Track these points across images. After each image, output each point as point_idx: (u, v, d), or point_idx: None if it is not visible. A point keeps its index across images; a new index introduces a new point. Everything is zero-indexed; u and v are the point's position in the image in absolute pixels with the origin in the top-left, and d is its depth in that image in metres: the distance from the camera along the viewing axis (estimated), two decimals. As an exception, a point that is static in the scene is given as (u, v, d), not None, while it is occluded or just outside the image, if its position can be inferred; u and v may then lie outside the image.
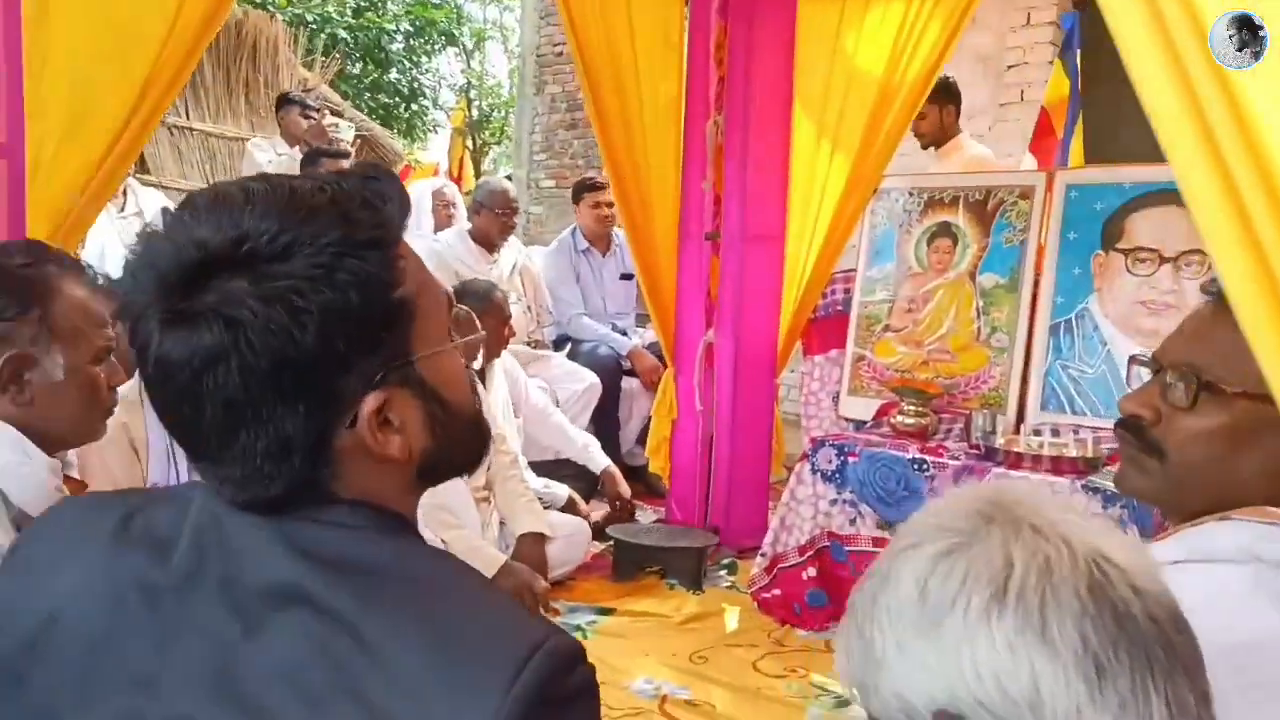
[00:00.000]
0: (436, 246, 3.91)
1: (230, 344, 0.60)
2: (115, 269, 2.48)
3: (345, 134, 4.22)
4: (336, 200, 0.64)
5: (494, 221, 3.82)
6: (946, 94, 3.51)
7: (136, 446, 1.75)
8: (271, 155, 4.15)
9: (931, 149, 3.62)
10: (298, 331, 0.61)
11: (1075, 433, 2.41)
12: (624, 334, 4.07)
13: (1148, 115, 0.75)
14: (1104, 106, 4.03)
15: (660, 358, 3.59)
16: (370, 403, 0.64)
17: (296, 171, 3.98)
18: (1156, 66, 0.74)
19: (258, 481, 0.64)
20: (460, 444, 0.73)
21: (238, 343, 0.60)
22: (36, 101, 1.62)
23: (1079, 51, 2.97)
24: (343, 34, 10.44)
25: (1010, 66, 4.60)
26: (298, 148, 4.19)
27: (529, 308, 4.04)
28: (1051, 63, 4.25)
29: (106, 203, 1.86)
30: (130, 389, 1.68)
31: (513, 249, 4.04)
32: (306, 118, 4.19)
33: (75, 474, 1.31)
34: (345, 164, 3.95)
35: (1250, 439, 0.92)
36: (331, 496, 0.66)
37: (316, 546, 0.63)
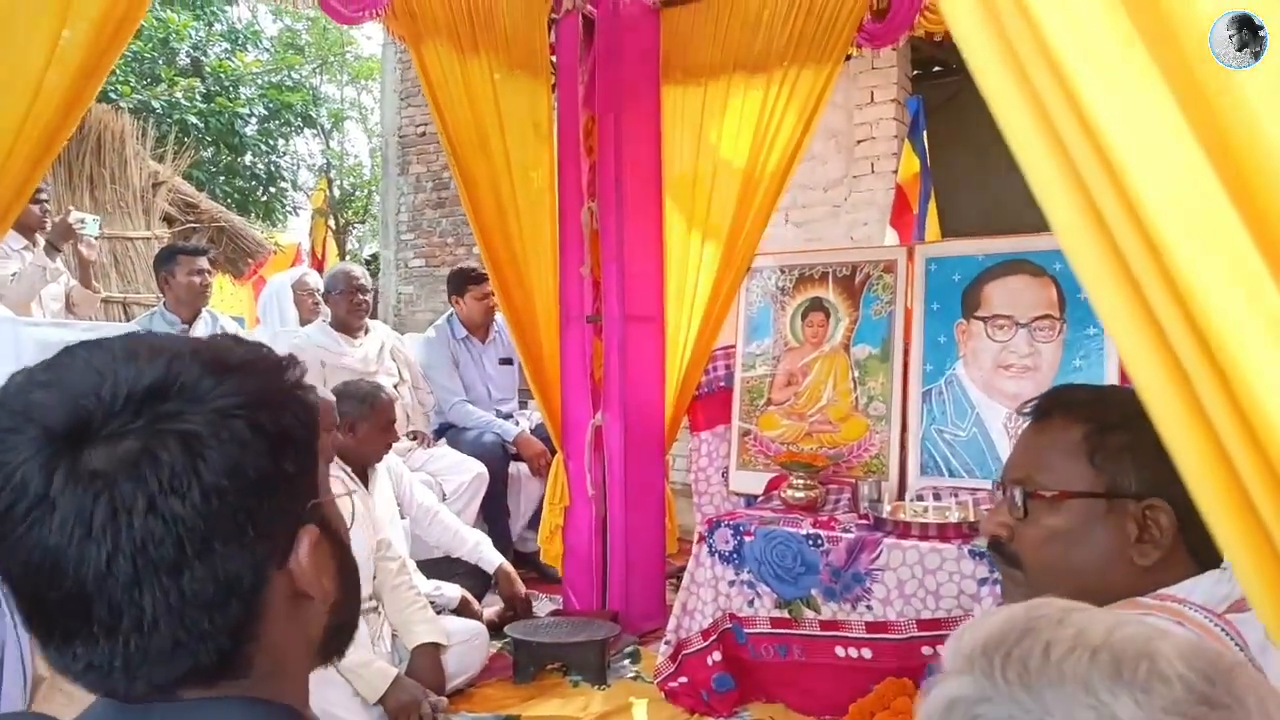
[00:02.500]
0: (296, 341, 3.79)
1: (193, 466, 0.55)
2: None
3: (90, 229, 3.89)
4: (252, 356, 0.63)
5: (342, 303, 3.77)
6: None
7: None
8: (18, 265, 3.55)
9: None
10: (254, 449, 0.57)
11: (955, 495, 2.51)
12: (509, 418, 4.02)
13: (1017, 158, 0.79)
14: (948, 178, 4.34)
15: (546, 440, 3.55)
16: (309, 534, 0.62)
17: (45, 273, 3.60)
18: (1019, 111, 0.77)
19: (183, 646, 0.57)
20: (357, 597, 0.71)
21: (198, 462, 0.55)
22: None
23: (925, 132, 3.18)
24: (193, 119, 10.10)
25: (860, 141, 4.88)
26: (37, 243, 3.71)
27: (410, 389, 3.95)
28: (898, 137, 4.55)
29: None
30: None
31: (378, 332, 3.96)
32: (36, 202, 3.67)
33: None
34: (204, 261, 3.77)
35: (1083, 533, 1.01)
36: (241, 669, 0.60)
37: None
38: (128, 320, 4.27)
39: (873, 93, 4.83)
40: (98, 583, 0.54)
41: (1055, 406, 1.09)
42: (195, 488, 0.55)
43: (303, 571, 0.61)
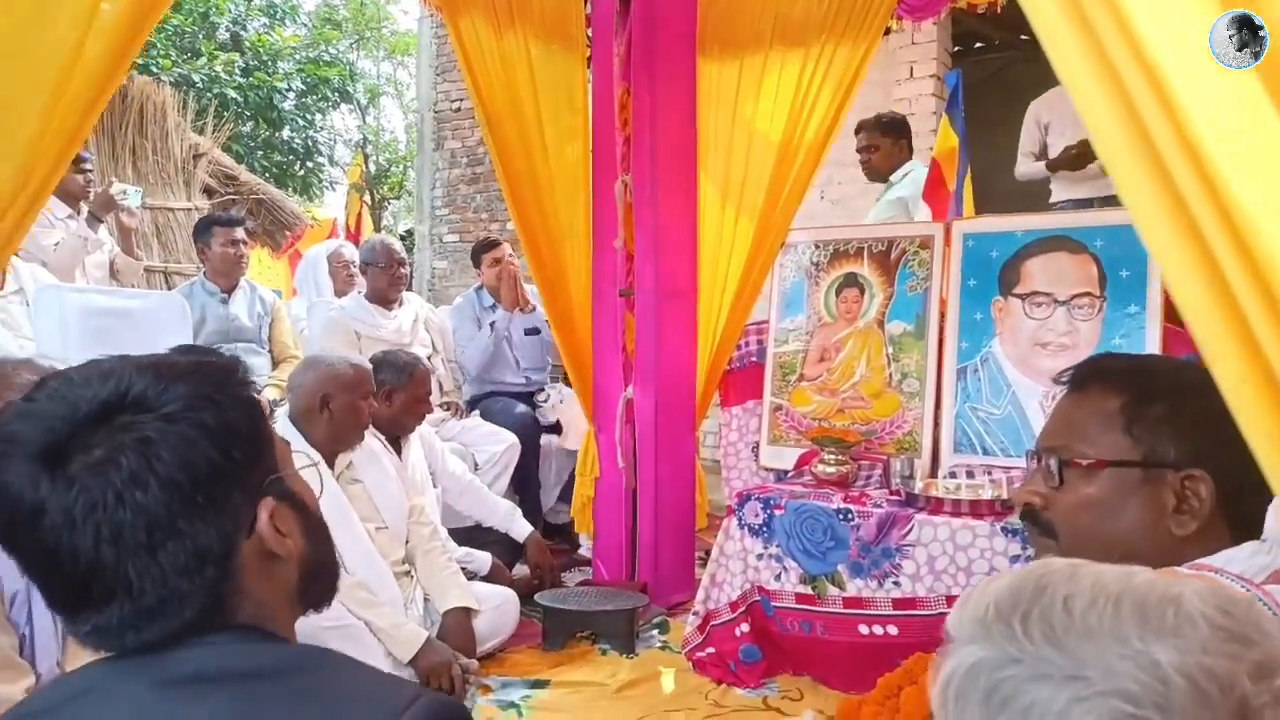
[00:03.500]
0: (332, 314, 3.84)
1: (148, 464, 0.68)
2: (-3, 357, 2.28)
3: (133, 200, 3.96)
4: (194, 363, 0.76)
5: (382, 277, 3.80)
6: (900, 129, 3.67)
7: None
8: (61, 234, 3.63)
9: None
10: (202, 443, 0.70)
11: (989, 474, 2.49)
12: (539, 390, 4.06)
13: (1089, 132, 0.78)
14: (988, 157, 4.27)
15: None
16: (266, 506, 0.75)
17: (85, 244, 3.70)
18: (1093, 83, 0.76)
19: (171, 605, 0.69)
20: (328, 550, 0.84)
21: (153, 461, 0.68)
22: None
23: (963, 107, 3.13)
24: (232, 94, 10.19)
25: (898, 118, 4.81)
26: (82, 212, 3.79)
27: (443, 359, 3.99)
28: (936, 114, 4.48)
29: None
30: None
31: (413, 303, 4.00)
32: (81, 172, 3.74)
33: None
34: (239, 231, 3.81)
35: (1118, 503, 1.01)
36: (230, 616, 0.73)
37: (200, 669, 0.69)
38: (169, 288, 4.34)
39: (911, 68, 4.76)
40: (89, 565, 0.68)
41: (1093, 375, 1.09)
42: (153, 481, 0.68)
43: (267, 535, 0.74)
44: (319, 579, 0.82)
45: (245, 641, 0.72)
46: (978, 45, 6.02)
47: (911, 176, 3.70)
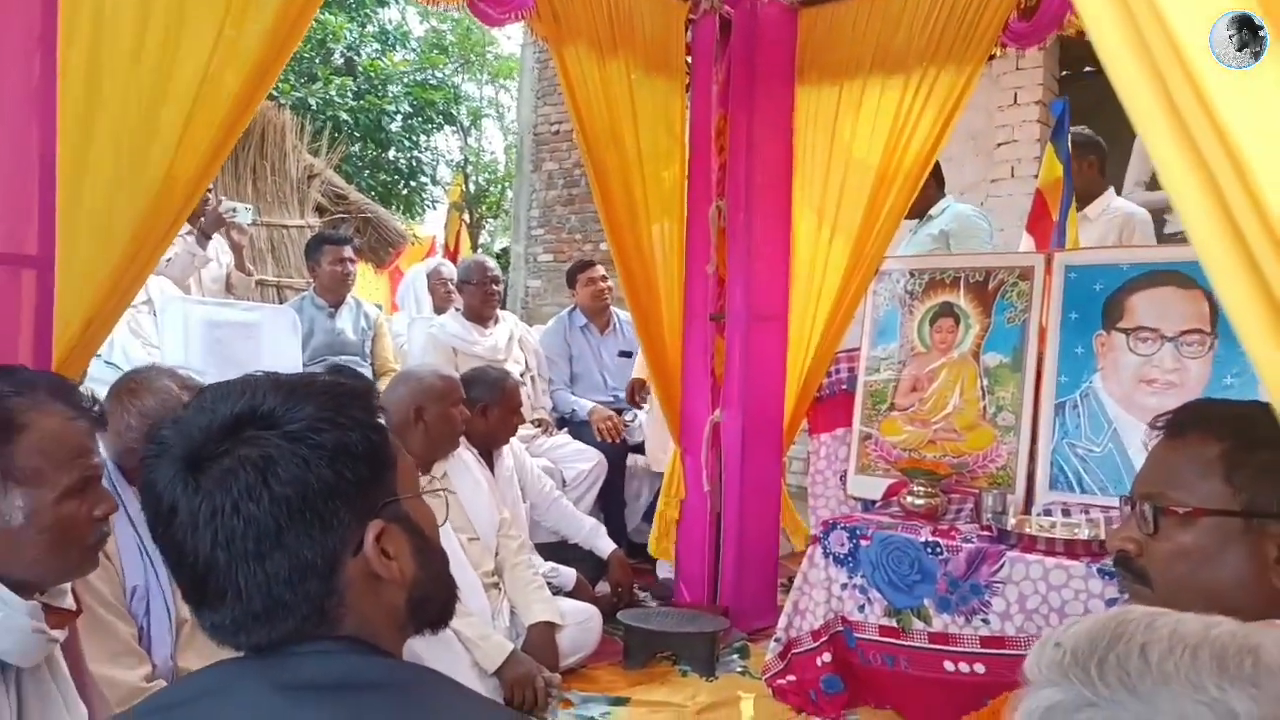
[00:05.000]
0: (431, 330, 3.97)
1: (263, 479, 0.73)
2: (123, 359, 2.51)
3: (243, 217, 4.15)
4: (326, 384, 0.80)
5: (476, 294, 3.92)
6: (935, 166, 3.59)
7: (107, 553, 1.72)
8: (175, 249, 3.80)
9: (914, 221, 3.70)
10: (316, 463, 0.74)
11: (1085, 513, 2.42)
12: (625, 410, 4.12)
13: (1144, 142, 0.79)
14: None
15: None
16: (374, 528, 0.77)
17: (194, 260, 3.89)
18: (1147, 97, 0.77)
19: (275, 613, 0.74)
20: (441, 576, 0.86)
21: (269, 476, 0.73)
22: (68, 215, 1.65)
23: (1070, 135, 3.06)
24: (344, 116, 10.67)
25: (1000, 144, 4.72)
26: (195, 229, 3.98)
27: (534, 378, 4.08)
28: (1040, 141, 4.38)
29: (127, 307, 1.88)
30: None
31: (508, 322, 4.10)
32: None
33: (68, 602, 1.26)
34: (347, 250, 3.99)
35: (1216, 552, 0.99)
36: (334, 628, 0.76)
37: (315, 677, 0.73)
38: (281, 301, 4.56)
39: (1016, 94, 4.67)
40: (206, 565, 0.74)
41: (1192, 421, 1.07)
42: (266, 495, 0.72)
43: (372, 557, 0.77)
44: (429, 604, 0.83)
45: (357, 653, 0.76)
46: (1087, 70, 5.85)
47: (952, 212, 3.65)
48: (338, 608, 0.76)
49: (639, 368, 3.73)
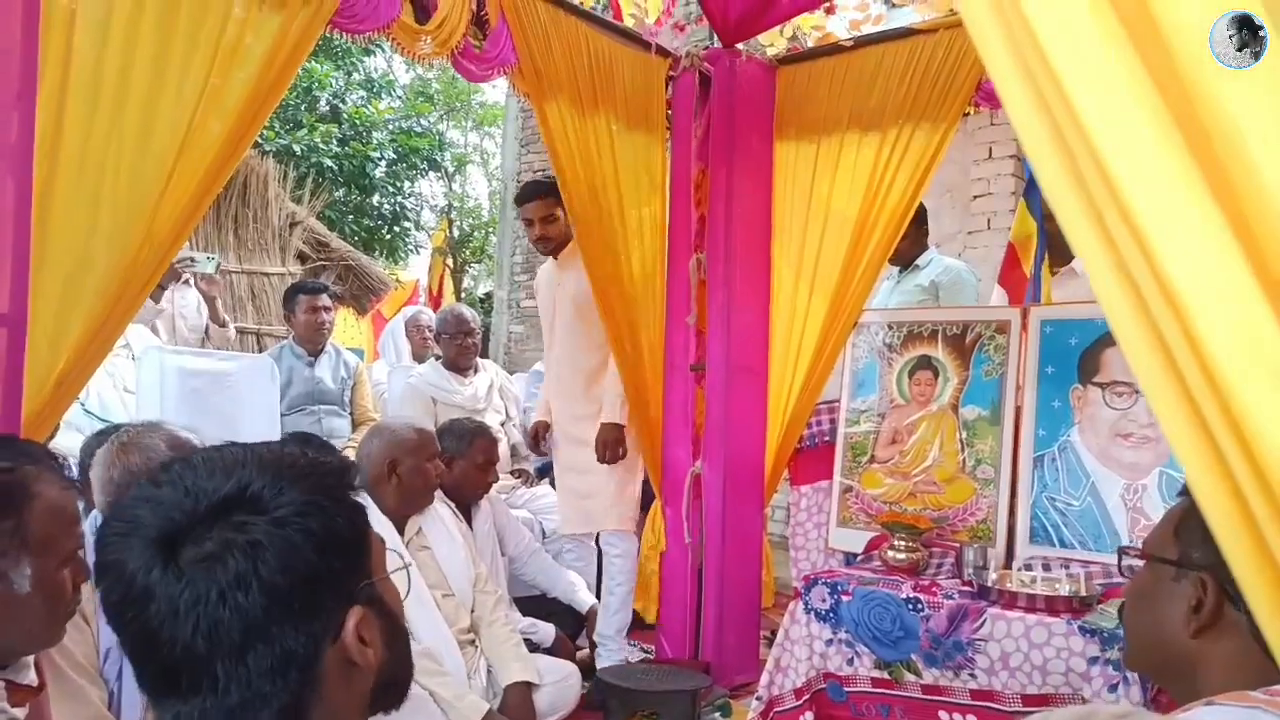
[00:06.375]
0: (411, 380, 3.96)
1: (253, 566, 0.70)
2: (98, 405, 2.48)
3: (203, 267, 4.08)
4: (310, 464, 0.78)
5: (451, 346, 3.93)
6: (921, 217, 3.62)
7: (85, 614, 1.69)
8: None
9: (896, 269, 3.72)
10: (305, 550, 0.72)
11: (1066, 567, 2.41)
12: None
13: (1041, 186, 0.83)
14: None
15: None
16: (354, 615, 0.75)
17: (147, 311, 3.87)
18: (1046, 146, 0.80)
19: (252, 705, 0.71)
20: (405, 658, 0.84)
21: (258, 563, 0.70)
22: (40, 274, 1.64)
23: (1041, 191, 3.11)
24: (329, 162, 10.72)
25: (976, 197, 4.80)
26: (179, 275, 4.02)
27: (515, 427, 4.06)
28: (1015, 194, 4.46)
29: (99, 364, 1.87)
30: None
31: (488, 370, 4.09)
32: None
33: (30, 677, 1.22)
34: (323, 299, 3.97)
35: (1152, 596, 1.10)
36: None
37: None
38: (260, 350, 4.54)
39: (991, 148, 4.76)
40: (184, 655, 0.70)
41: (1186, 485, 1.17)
42: (255, 583, 0.70)
43: (350, 644, 0.75)
44: (392, 689, 0.82)
45: None
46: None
47: (941, 264, 3.67)
48: (312, 698, 0.74)
49: (541, 409, 3.49)
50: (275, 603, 0.70)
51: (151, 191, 1.87)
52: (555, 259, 3.37)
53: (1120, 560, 1.27)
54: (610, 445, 3.16)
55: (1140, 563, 1.16)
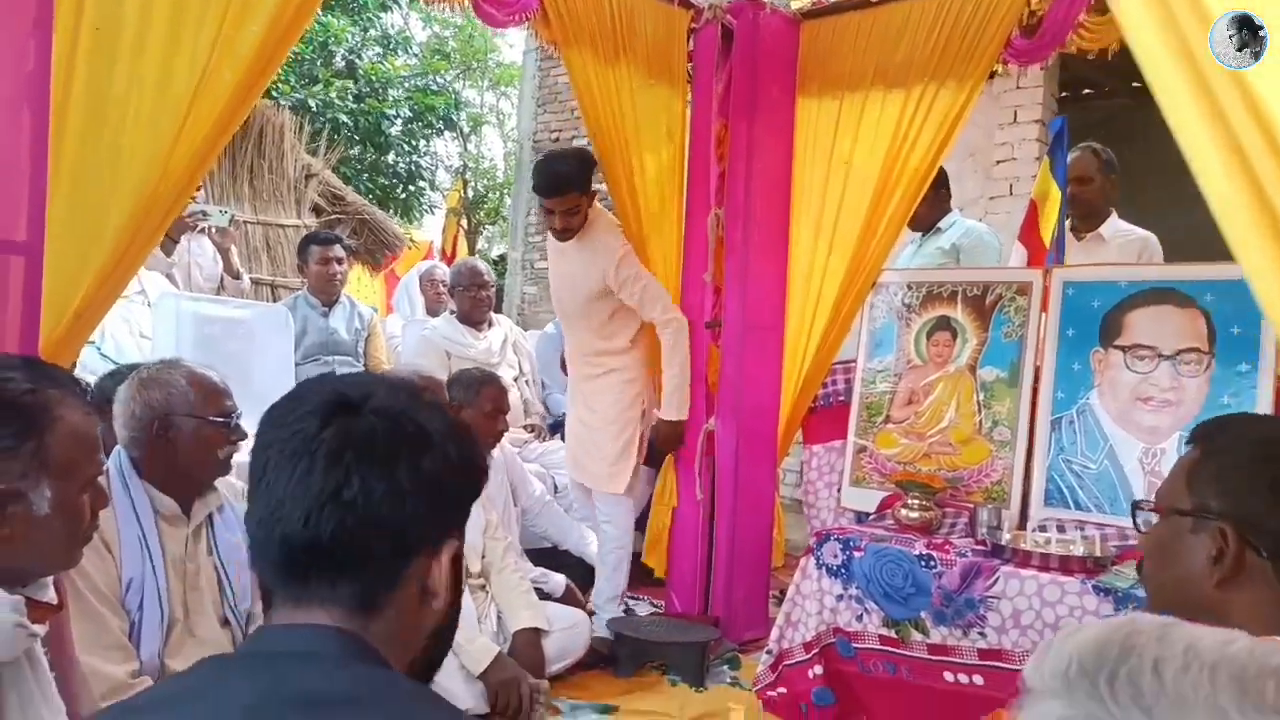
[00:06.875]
0: (425, 332, 3.95)
1: (398, 451, 0.76)
2: (115, 350, 2.49)
3: (217, 220, 4.06)
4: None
5: (465, 299, 3.90)
6: (942, 179, 3.56)
7: (107, 543, 1.72)
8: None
9: (918, 235, 3.67)
10: (449, 464, 0.78)
11: (1081, 529, 2.40)
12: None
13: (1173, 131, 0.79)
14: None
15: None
16: (452, 547, 0.79)
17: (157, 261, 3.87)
18: (1176, 78, 0.76)
19: (356, 551, 0.74)
20: (452, 630, 0.85)
21: (437, 444, 0.78)
22: (57, 203, 1.63)
23: (1067, 154, 3.05)
24: (344, 118, 10.66)
25: (999, 161, 4.73)
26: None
27: (529, 382, 4.06)
28: (1039, 159, 4.38)
29: (117, 298, 1.86)
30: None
31: (502, 325, 4.08)
32: None
33: (50, 595, 1.23)
34: (336, 250, 3.95)
35: (1171, 549, 1.09)
36: (362, 617, 0.74)
37: (302, 688, 0.69)
38: (275, 301, 4.54)
39: (1016, 112, 4.68)
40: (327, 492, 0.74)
41: (1197, 432, 1.18)
42: (402, 468, 0.74)
43: (437, 571, 0.78)
44: (435, 651, 0.82)
45: (360, 662, 0.72)
46: (1086, 91, 5.87)
47: (963, 226, 3.61)
48: (388, 596, 0.75)
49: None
50: (399, 493, 0.74)
51: (167, 133, 1.85)
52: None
53: (1135, 515, 1.25)
54: (670, 442, 3.13)
55: (1155, 517, 1.16)
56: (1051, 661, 0.57)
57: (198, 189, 4.19)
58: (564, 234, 3.03)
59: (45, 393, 1.15)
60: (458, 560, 0.83)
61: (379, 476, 0.74)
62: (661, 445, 3.14)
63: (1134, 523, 1.27)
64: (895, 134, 3.04)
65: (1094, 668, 0.55)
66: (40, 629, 1.20)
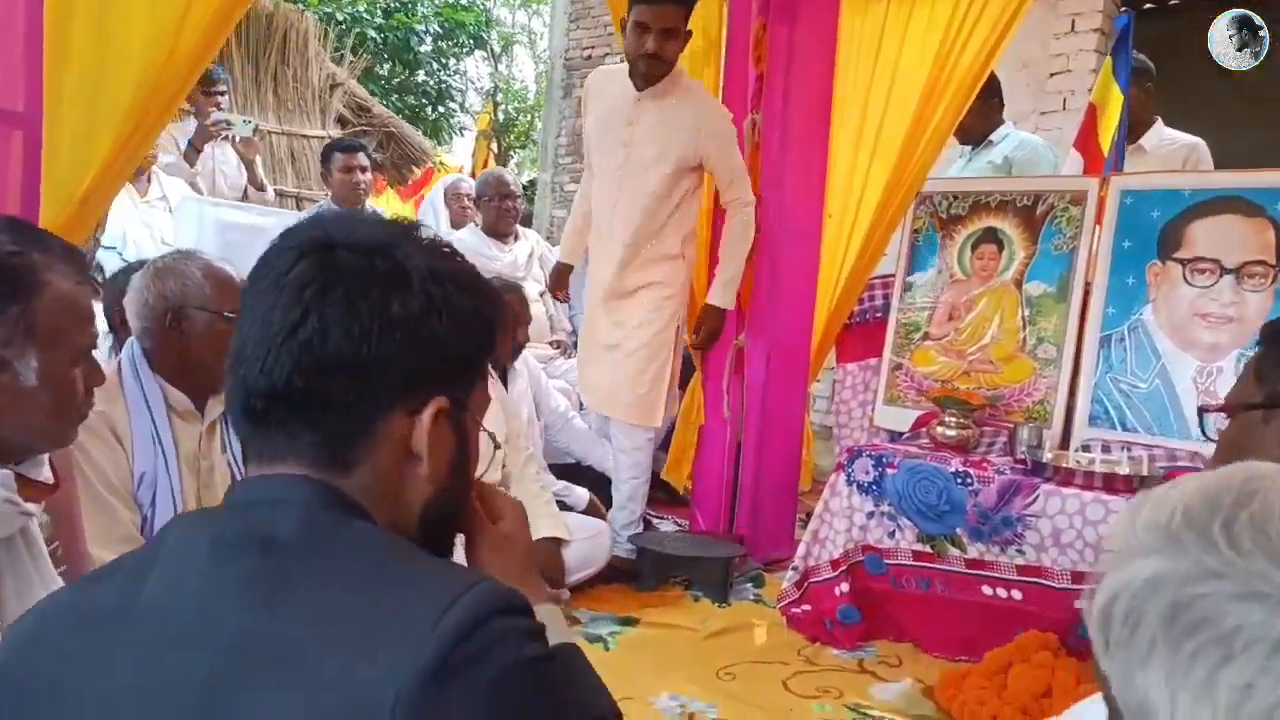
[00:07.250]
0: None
1: (436, 295, 0.70)
2: (136, 253, 2.43)
3: (240, 130, 3.96)
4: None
5: (491, 210, 3.81)
6: (993, 88, 3.35)
7: (119, 435, 1.68)
8: (174, 158, 3.81)
9: (968, 148, 3.48)
10: (434, 311, 0.69)
11: (1127, 450, 2.30)
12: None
13: None
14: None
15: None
16: (437, 403, 0.70)
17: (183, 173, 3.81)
18: None
19: (313, 396, 0.67)
20: (457, 503, 0.78)
21: (416, 285, 0.69)
22: (55, 75, 1.54)
23: (1132, 54, 2.86)
24: (372, 34, 10.43)
25: (1053, 74, 4.49)
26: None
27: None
28: (1094, 72, 4.15)
29: (123, 184, 1.78)
30: (109, 375, 1.60)
31: (529, 239, 3.98)
32: (210, 95, 3.85)
33: (45, 474, 1.18)
34: (360, 158, 3.85)
35: (1245, 444, 1.07)
36: (338, 468, 0.68)
37: (258, 530, 0.64)
38: (299, 212, 4.47)
39: (1074, 21, 4.42)
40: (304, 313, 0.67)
41: (1262, 331, 1.16)
42: (366, 306, 0.66)
43: (419, 431, 0.70)
44: (440, 523, 0.75)
45: (325, 512, 0.66)
46: (1148, 6, 5.54)
47: (1017, 139, 3.39)
48: (359, 449, 0.68)
49: (566, 249, 3.14)
50: (380, 330, 0.67)
51: (173, 13, 1.75)
52: (641, 89, 2.69)
53: (1201, 421, 1.26)
54: (711, 337, 2.86)
55: (1223, 422, 1.13)
56: (1148, 514, 0.49)
57: (222, 94, 4.10)
58: (652, 61, 2.56)
59: (31, 256, 1.08)
60: (461, 429, 0.74)
61: (339, 315, 0.66)
62: (705, 337, 2.88)
63: (1200, 430, 1.25)
64: (944, 39, 2.87)
65: (1206, 515, 0.47)
66: (34, 508, 1.15)
